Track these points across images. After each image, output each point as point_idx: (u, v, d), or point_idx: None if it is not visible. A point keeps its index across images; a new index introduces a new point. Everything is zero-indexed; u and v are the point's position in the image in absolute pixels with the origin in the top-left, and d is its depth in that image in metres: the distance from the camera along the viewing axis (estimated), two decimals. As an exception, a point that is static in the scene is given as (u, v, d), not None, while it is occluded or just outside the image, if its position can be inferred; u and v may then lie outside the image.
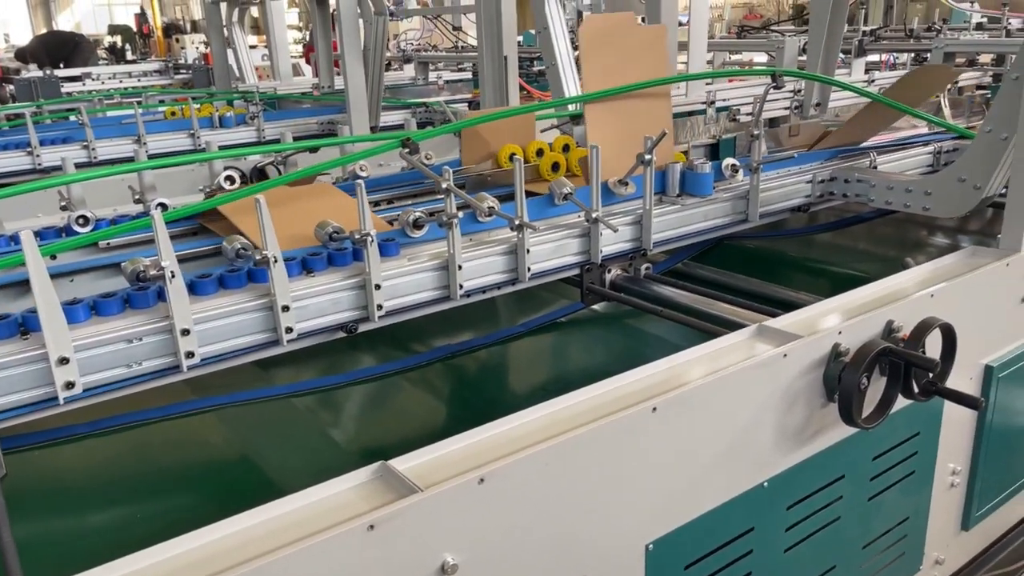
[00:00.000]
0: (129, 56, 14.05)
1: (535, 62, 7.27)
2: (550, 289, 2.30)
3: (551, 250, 2.05)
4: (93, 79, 8.28)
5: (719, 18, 18.26)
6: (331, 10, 5.33)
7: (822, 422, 1.73)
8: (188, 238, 2.03)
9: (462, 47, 8.17)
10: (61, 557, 1.50)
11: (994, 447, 2.24)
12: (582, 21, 3.20)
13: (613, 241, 2.15)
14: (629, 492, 1.45)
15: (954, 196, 2.30)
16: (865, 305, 1.83)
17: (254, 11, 7.27)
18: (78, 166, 3.22)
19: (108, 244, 1.95)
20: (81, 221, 2.02)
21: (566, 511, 1.37)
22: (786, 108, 4.06)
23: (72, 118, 4.70)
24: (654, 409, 1.42)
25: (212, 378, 1.69)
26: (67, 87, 7.64)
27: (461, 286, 1.88)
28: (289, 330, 1.66)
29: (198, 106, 4.67)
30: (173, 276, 1.48)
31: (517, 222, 1.92)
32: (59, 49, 10.72)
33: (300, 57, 9.64)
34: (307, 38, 11.78)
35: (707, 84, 4.57)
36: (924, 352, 1.75)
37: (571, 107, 3.31)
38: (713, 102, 4.16)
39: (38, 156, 3.92)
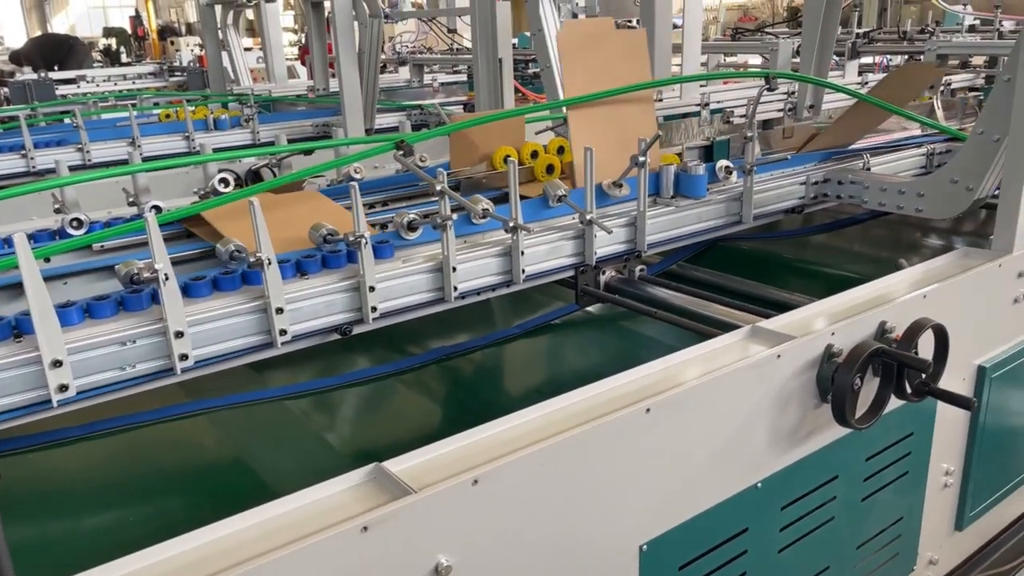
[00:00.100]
0: (124, 59, 14.04)
1: (530, 64, 7.28)
2: (544, 291, 2.31)
3: (545, 252, 2.05)
4: (88, 82, 8.28)
5: (714, 20, 18.30)
6: (326, 13, 5.33)
7: (815, 423, 1.73)
8: (182, 240, 2.03)
9: (457, 49, 8.17)
10: (54, 560, 1.50)
11: (987, 447, 2.25)
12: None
13: (607, 243, 2.16)
14: (623, 493, 1.45)
15: (947, 197, 2.31)
16: (858, 306, 1.84)
17: (249, 14, 7.28)
18: (72, 169, 3.21)
19: (102, 247, 1.94)
20: (75, 224, 2.02)
21: (560, 512, 1.37)
22: (780, 110, 4.07)
23: (66, 121, 4.70)
24: (648, 410, 1.42)
25: (206, 381, 1.69)
26: (61, 89, 7.64)
27: (455, 288, 1.89)
28: (283, 332, 1.66)
29: (193, 108, 4.67)
30: (167, 278, 1.48)
31: (511, 224, 1.92)
32: (54, 51, 10.70)
33: (296, 59, 9.65)
34: (302, 40, 11.79)
35: (701, 86, 4.58)
36: (917, 353, 1.76)
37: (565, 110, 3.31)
38: (707, 104, 4.16)
39: (32, 159, 3.92)
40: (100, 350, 1.49)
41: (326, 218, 1.90)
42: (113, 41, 16.41)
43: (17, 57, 11.33)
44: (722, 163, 2.47)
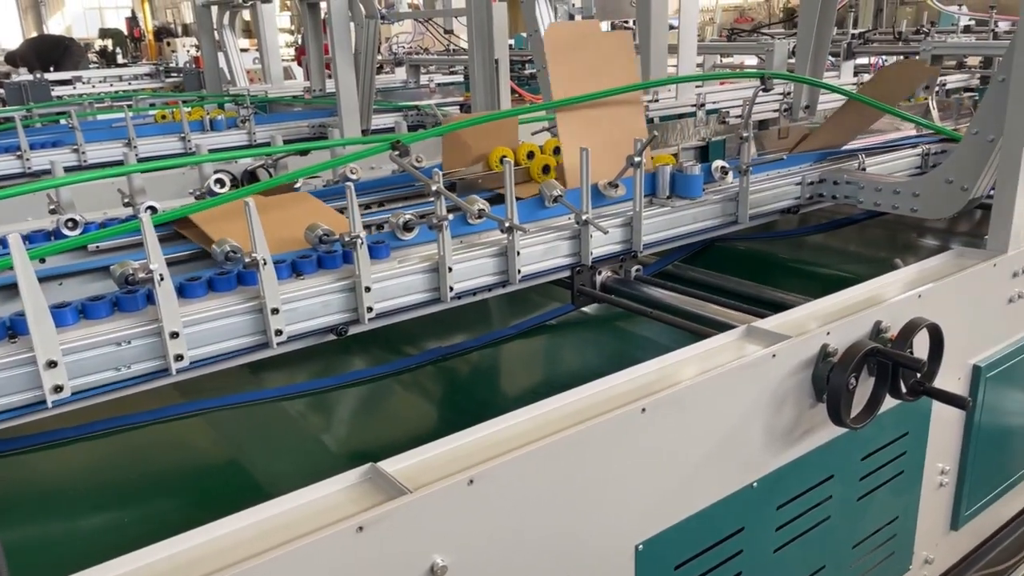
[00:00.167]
0: (120, 60, 14.02)
1: (526, 65, 7.29)
2: (541, 291, 2.31)
3: (541, 252, 2.05)
4: (84, 83, 8.27)
5: (710, 22, 18.32)
6: (322, 14, 5.33)
7: (811, 422, 1.74)
8: (177, 241, 2.03)
9: (453, 50, 8.17)
10: (50, 560, 1.50)
11: (983, 447, 2.25)
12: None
13: (603, 243, 2.16)
14: (618, 493, 1.45)
15: (942, 197, 2.31)
16: (853, 306, 1.84)
17: (245, 14, 7.27)
18: (67, 170, 3.22)
19: (97, 247, 1.94)
20: (70, 224, 2.02)
21: (556, 512, 1.37)
22: (775, 111, 4.08)
23: (62, 122, 4.70)
24: (643, 410, 1.42)
25: (202, 381, 1.69)
26: (57, 91, 7.63)
27: (452, 288, 1.89)
28: (279, 333, 1.66)
29: (189, 109, 4.67)
30: (162, 279, 1.48)
31: (507, 224, 1.92)
32: (49, 52, 10.68)
33: (292, 60, 9.64)
34: (299, 41, 11.78)
35: (697, 87, 4.59)
36: (912, 352, 1.76)
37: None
38: (703, 104, 4.17)
39: (28, 160, 3.92)
40: (95, 351, 1.48)
41: (317, 220, 1.90)
42: (109, 42, 16.40)
43: (13, 58, 11.30)
44: (718, 163, 2.48)
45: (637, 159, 2.10)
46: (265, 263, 1.59)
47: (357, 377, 2.19)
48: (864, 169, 2.69)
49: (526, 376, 2.39)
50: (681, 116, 4.13)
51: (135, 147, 4.03)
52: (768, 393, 1.63)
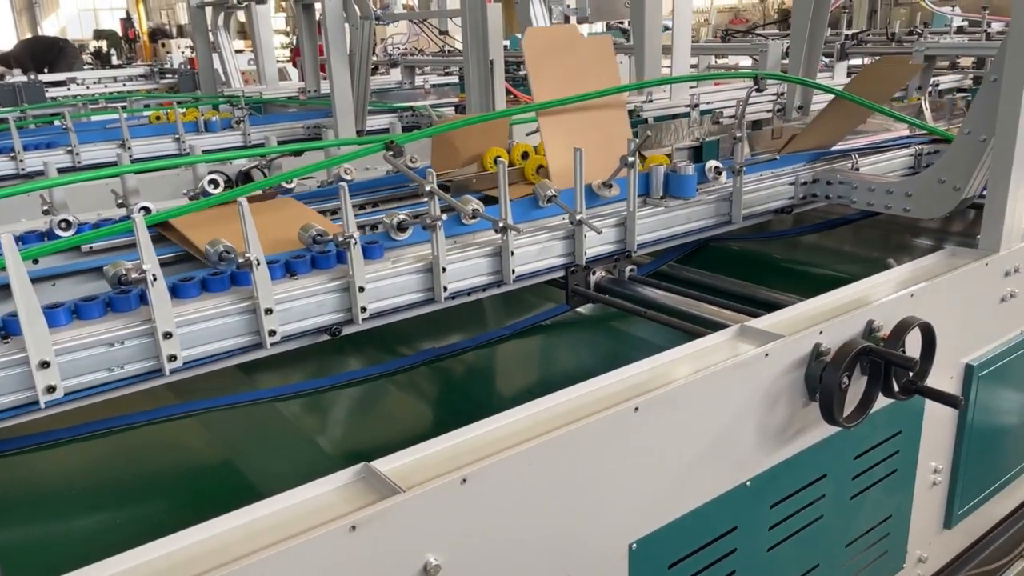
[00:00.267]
0: (115, 61, 13.98)
1: (521, 66, 7.29)
2: (535, 291, 2.31)
3: (535, 252, 2.06)
4: (78, 84, 8.25)
5: (705, 23, 18.34)
6: (317, 15, 5.33)
7: (804, 421, 1.74)
8: (171, 242, 2.03)
9: (448, 51, 8.18)
10: (43, 560, 1.49)
11: (976, 446, 2.26)
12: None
13: (597, 243, 2.16)
14: (612, 492, 1.46)
15: (934, 197, 2.32)
16: (846, 305, 1.85)
17: (240, 15, 7.25)
18: (62, 171, 3.18)
19: (91, 248, 1.94)
20: (63, 225, 2.02)
21: (549, 511, 1.37)
22: (769, 111, 4.09)
23: (56, 123, 4.68)
24: (636, 409, 1.43)
25: (196, 382, 1.69)
26: (52, 92, 7.60)
27: (445, 288, 1.89)
28: (272, 333, 1.66)
29: (183, 110, 4.66)
30: (155, 279, 1.48)
31: (501, 224, 1.92)
32: (44, 54, 10.68)
33: (287, 61, 9.64)
34: (293, 42, 11.77)
35: (691, 87, 4.60)
36: (904, 351, 1.77)
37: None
38: (697, 105, 4.18)
39: (21, 161, 3.91)
40: (88, 351, 1.48)
41: (302, 223, 1.90)
42: (104, 43, 16.36)
43: (7, 59, 11.27)
44: (711, 163, 2.48)
45: (631, 159, 2.10)
46: (258, 263, 1.59)
47: (351, 377, 2.19)
48: (857, 169, 2.70)
49: (521, 376, 2.39)
50: (675, 116, 4.14)
51: (129, 148, 4.02)
52: (761, 392, 1.64)
